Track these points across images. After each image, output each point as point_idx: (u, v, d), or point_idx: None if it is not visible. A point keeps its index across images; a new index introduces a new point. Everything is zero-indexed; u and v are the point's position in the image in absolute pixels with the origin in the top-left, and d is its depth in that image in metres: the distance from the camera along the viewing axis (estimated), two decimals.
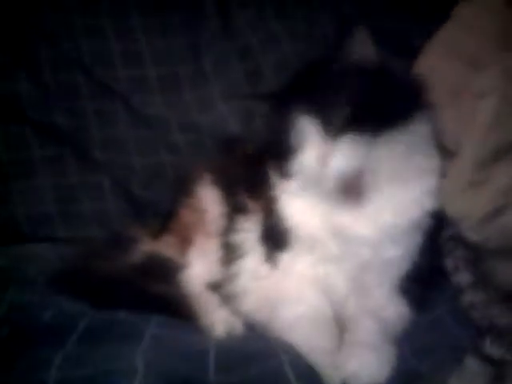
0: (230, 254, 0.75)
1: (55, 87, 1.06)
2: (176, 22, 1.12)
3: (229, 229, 0.77)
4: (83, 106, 1.07)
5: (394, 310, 0.64)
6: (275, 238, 0.70)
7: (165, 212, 0.92)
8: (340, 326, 0.64)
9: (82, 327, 0.60)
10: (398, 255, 0.64)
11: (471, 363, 0.48)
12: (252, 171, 0.79)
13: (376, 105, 0.63)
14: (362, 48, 0.69)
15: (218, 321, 0.69)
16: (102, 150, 1.06)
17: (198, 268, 0.79)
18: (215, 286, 0.77)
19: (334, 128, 0.63)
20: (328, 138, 0.63)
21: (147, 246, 0.84)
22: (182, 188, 0.88)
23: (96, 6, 1.09)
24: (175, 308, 0.71)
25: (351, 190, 0.64)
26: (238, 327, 0.69)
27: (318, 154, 0.62)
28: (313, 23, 1.15)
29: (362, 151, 0.62)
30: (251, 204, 0.76)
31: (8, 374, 0.50)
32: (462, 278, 0.65)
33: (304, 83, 0.68)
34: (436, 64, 0.91)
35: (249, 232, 0.74)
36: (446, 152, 0.74)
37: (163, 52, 1.11)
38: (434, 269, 0.68)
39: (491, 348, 0.50)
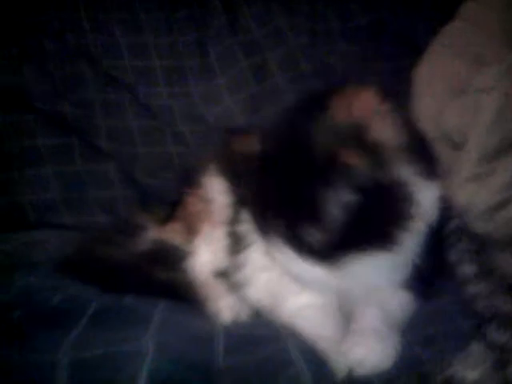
0: (236, 244, 0.76)
1: (62, 78, 1.07)
2: (183, 17, 1.14)
3: (235, 219, 0.78)
4: (90, 96, 1.08)
5: (398, 299, 0.65)
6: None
7: (170, 201, 0.93)
8: (345, 314, 0.65)
9: (91, 311, 0.60)
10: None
11: (475, 349, 0.49)
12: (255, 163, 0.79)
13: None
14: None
15: (225, 307, 0.70)
16: (107, 139, 1.06)
17: (204, 256, 0.79)
18: (221, 274, 0.78)
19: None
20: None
21: (154, 234, 0.84)
22: (189, 178, 0.88)
23: (103, 0, 1.10)
24: (182, 294, 0.72)
25: None
26: (245, 313, 0.70)
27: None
28: (318, 18, 1.16)
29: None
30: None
31: (20, 356, 0.50)
32: (466, 269, 0.66)
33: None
34: (441, 61, 0.92)
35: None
36: (451, 145, 0.76)
37: (169, 46, 1.12)
38: (439, 260, 0.69)
39: (495, 335, 0.51)
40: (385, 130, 0.58)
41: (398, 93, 1.02)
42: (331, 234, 0.57)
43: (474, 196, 0.67)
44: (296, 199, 0.59)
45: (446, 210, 0.69)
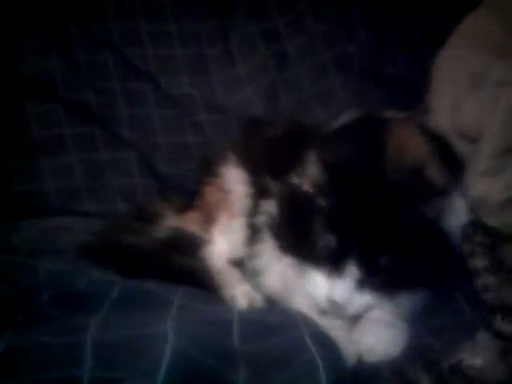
0: (253, 234, 0.77)
1: (86, 67, 1.09)
2: (205, 4, 1.14)
3: (253, 210, 0.79)
4: (112, 85, 1.10)
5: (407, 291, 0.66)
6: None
7: (189, 190, 0.95)
8: None
9: (114, 295, 0.63)
10: None
11: (483, 338, 0.51)
12: (276, 154, 0.80)
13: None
14: None
15: (240, 294, 0.73)
16: (129, 128, 1.09)
17: (221, 244, 0.82)
18: (237, 263, 0.80)
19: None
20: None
21: (172, 222, 0.87)
22: (208, 167, 0.90)
23: None
24: (199, 281, 0.74)
25: None
26: (260, 301, 0.73)
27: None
28: (338, 7, 1.16)
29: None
30: (274, 187, 0.78)
31: (49, 336, 0.53)
32: (478, 262, 0.67)
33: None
34: (461, 51, 0.91)
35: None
36: (467, 138, 0.76)
37: (191, 33, 1.14)
38: (452, 254, 0.70)
39: (502, 324, 0.53)
40: (434, 168, 0.61)
41: (413, 84, 1.04)
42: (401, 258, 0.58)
43: (487, 190, 0.68)
44: (368, 221, 0.58)
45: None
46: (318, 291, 0.62)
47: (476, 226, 0.69)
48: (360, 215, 0.58)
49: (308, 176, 0.63)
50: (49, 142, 1.06)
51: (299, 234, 0.63)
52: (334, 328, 0.62)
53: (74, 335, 0.52)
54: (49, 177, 1.05)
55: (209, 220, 0.85)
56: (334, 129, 0.70)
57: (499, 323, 0.52)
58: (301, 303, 0.68)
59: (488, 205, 0.68)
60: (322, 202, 0.60)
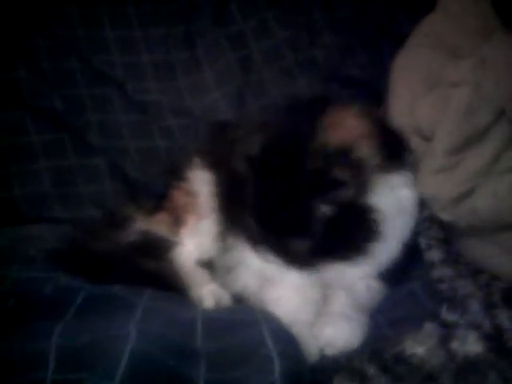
0: (224, 230, 0.79)
1: (53, 74, 1.09)
2: (171, 10, 1.16)
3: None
4: (80, 92, 1.10)
5: (367, 284, 0.69)
6: None
7: (158, 193, 0.96)
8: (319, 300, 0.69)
9: (79, 300, 0.64)
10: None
11: (428, 327, 0.53)
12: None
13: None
14: None
15: (207, 293, 0.74)
16: (98, 134, 1.09)
17: (190, 246, 0.83)
18: (207, 264, 0.82)
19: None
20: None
21: (141, 225, 0.88)
22: (175, 171, 0.92)
23: None
24: (167, 282, 0.76)
25: None
26: (226, 300, 0.74)
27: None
28: (302, 10, 1.18)
29: None
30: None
31: (13, 342, 0.54)
32: (434, 255, 0.70)
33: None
34: (418, 52, 0.94)
35: None
36: (422, 137, 0.79)
37: (158, 39, 1.14)
38: (410, 247, 0.73)
39: (447, 314, 0.55)
40: (368, 150, 0.65)
41: (379, 85, 1.06)
42: (313, 242, 0.64)
43: (440, 187, 0.71)
44: (284, 209, 0.64)
45: (419, 200, 0.74)
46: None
47: (431, 220, 0.72)
48: (275, 202, 0.64)
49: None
50: (17, 149, 1.06)
51: (234, 214, 0.70)
52: (298, 324, 0.64)
53: (38, 341, 0.53)
54: (17, 185, 1.05)
55: (177, 222, 0.87)
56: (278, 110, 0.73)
57: (444, 313, 0.55)
58: (272, 294, 0.70)
59: (441, 201, 0.71)
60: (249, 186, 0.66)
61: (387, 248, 0.69)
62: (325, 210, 0.63)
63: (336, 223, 0.63)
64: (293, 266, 0.66)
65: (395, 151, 0.71)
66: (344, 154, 0.64)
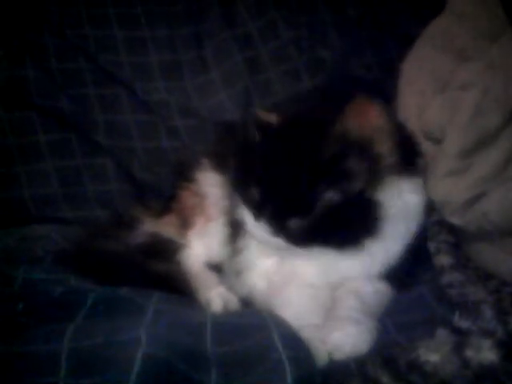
0: (234, 232, 0.79)
1: (60, 74, 1.09)
2: (179, 11, 1.16)
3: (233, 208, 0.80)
4: (87, 91, 1.10)
5: (375, 287, 0.69)
6: None
7: (166, 195, 0.96)
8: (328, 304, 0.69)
9: (89, 303, 0.64)
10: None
11: (441, 334, 0.53)
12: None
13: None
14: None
15: (215, 296, 0.74)
16: (105, 134, 1.09)
17: (198, 248, 0.83)
18: (215, 266, 0.82)
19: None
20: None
21: (149, 227, 0.88)
22: (183, 172, 0.92)
23: None
24: (175, 285, 0.76)
25: None
26: (235, 303, 0.74)
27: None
28: (310, 11, 1.18)
29: None
30: None
31: (24, 345, 0.54)
32: (444, 259, 0.70)
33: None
34: (427, 54, 0.94)
35: None
36: (431, 140, 0.79)
37: (166, 40, 1.15)
38: (419, 251, 0.73)
39: (459, 321, 0.55)
40: (386, 147, 0.65)
41: (386, 86, 1.06)
42: (311, 224, 0.64)
43: (450, 191, 0.71)
44: (290, 186, 0.65)
45: (428, 204, 0.74)
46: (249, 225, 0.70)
47: (441, 224, 0.72)
48: (281, 177, 0.65)
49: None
50: (24, 149, 1.06)
51: (241, 179, 0.70)
52: (307, 328, 0.64)
53: (49, 344, 0.53)
54: (25, 185, 1.05)
55: (185, 224, 0.87)
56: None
57: (457, 320, 0.55)
58: (281, 298, 0.70)
59: (451, 204, 0.71)
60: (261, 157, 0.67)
61: (387, 248, 0.68)
62: (330, 195, 0.63)
63: (337, 210, 0.64)
64: (285, 242, 0.67)
65: (410, 155, 0.71)
66: (362, 145, 0.64)
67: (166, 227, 0.88)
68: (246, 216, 0.70)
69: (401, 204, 0.68)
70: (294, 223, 0.65)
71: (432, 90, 0.85)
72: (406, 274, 0.72)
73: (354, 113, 0.66)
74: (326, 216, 0.64)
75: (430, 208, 0.74)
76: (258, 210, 0.67)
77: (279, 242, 0.67)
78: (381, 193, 0.65)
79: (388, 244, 0.68)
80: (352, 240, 0.66)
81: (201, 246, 0.83)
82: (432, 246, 0.71)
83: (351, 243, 0.66)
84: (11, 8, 1.09)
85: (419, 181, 0.71)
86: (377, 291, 0.69)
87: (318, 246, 0.67)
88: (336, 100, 0.71)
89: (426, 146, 0.78)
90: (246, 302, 0.75)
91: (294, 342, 0.58)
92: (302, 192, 0.64)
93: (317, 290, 0.70)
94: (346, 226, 0.65)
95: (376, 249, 0.67)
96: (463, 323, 0.54)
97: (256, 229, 0.68)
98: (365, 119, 0.66)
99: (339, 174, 0.63)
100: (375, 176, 0.64)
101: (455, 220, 0.70)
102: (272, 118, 0.68)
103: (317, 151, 0.63)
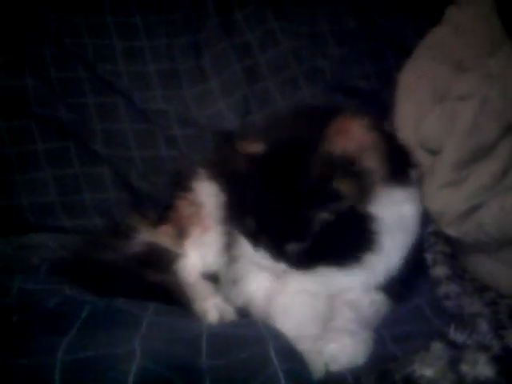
0: (230, 241, 0.79)
1: (59, 83, 1.10)
2: (177, 20, 1.16)
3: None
4: (86, 100, 1.11)
5: (372, 299, 0.69)
6: None
7: (163, 204, 0.96)
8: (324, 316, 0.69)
9: (84, 314, 0.64)
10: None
11: (436, 348, 0.53)
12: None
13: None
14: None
15: (211, 307, 0.74)
16: (103, 143, 1.09)
17: (194, 258, 0.83)
18: (210, 276, 0.82)
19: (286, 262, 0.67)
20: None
21: (146, 236, 0.88)
22: (180, 181, 0.92)
23: (99, 5, 1.13)
24: (172, 295, 0.75)
25: None
26: (231, 314, 0.74)
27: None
28: (308, 21, 1.18)
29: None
30: None
31: (18, 357, 0.54)
32: (440, 271, 0.70)
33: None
34: (425, 65, 0.94)
35: None
36: (428, 151, 0.79)
37: (164, 49, 1.15)
38: (415, 262, 0.73)
39: (455, 334, 0.55)
40: (372, 162, 0.66)
41: (384, 96, 1.06)
42: (308, 245, 0.65)
43: (447, 202, 0.71)
44: (283, 213, 0.66)
45: (424, 215, 0.74)
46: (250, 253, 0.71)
47: (437, 235, 0.72)
48: (274, 204, 0.66)
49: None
50: (22, 157, 1.06)
51: (235, 211, 0.72)
52: (303, 340, 0.64)
53: (43, 356, 0.53)
54: (22, 193, 1.04)
55: (182, 234, 0.87)
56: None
57: (453, 333, 0.55)
58: (277, 308, 0.70)
59: (448, 215, 0.71)
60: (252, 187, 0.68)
61: (384, 260, 0.69)
62: (322, 216, 0.64)
63: (332, 229, 0.65)
64: (288, 266, 0.68)
65: (400, 165, 0.71)
66: (347, 164, 0.64)
67: (162, 237, 0.87)
68: (246, 245, 0.71)
69: (395, 215, 0.68)
70: (292, 247, 0.66)
71: (430, 101, 0.85)
72: (403, 285, 0.71)
73: (337, 132, 0.67)
74: (322, 236, 0.65)
75: (426, 219, 0.74)
76: (256, 239, 0.68)
77: (282, 266, 0.68)
78: (374, 206, 0.65)
79: (385, 255, 0.68)
80: (349, 255, 0.66)
81: (197, 256, 0.83)
82: (428, 256, 0.71)
83: (349, 258, 0.66)
84: (10, 17, 1.10)
85: (413, 191, 0.71)
86: (373, 302, 0.69)
87: (318, 265, 0.67)
88: (320, 119, 0.71)
89: (422, 157, 0.79)
90: (243, 312, 0.75)
91: (290, 354, 0.57)
92: (295, 217, 0.65)
93: (314, 299, 0.70)
94: (342, 242, 0.66)
95: (373, 261, 0.67)
96: (459, 337, 0.54)
97: (257, 256, 0.69)
98: (348, 137, 0.67)
99: (327, 195, 0.64)
100: (365, 190, 0.65)
101: (451, 231, 0.70)
102: (258, 147, 0.69)
103: (303, 176, 0.64)
